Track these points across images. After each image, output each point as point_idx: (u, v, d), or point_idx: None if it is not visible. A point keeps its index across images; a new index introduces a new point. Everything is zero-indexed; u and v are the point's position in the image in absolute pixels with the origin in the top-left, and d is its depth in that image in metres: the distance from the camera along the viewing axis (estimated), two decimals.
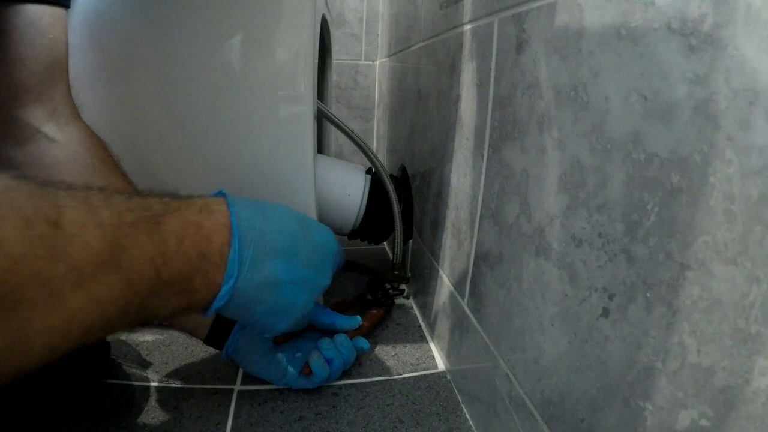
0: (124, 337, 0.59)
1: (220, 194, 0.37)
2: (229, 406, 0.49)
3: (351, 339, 0.53)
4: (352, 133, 0.64)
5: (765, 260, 0.18)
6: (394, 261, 0.69)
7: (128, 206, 0.28)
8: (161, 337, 0.60)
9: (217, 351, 0.50)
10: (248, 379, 0.52)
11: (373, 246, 0.79)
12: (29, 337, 0.22)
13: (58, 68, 0.41)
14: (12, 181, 0.22)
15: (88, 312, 0.24)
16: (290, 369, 0.50)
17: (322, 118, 0.63)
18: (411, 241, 0.76)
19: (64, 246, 0.23)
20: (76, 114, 0.44)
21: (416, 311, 0.70)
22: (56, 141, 0.41)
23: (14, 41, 0.37)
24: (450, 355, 0.55)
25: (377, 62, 1.13)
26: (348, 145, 1.10)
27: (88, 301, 0.24)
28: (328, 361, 0.50)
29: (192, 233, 0.31)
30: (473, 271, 0.47)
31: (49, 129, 0.41)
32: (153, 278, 0.28)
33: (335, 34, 0.98)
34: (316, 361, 0.50)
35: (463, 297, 0.50)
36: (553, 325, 0.32)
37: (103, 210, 0.26)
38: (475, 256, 0.46)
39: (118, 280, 0.26)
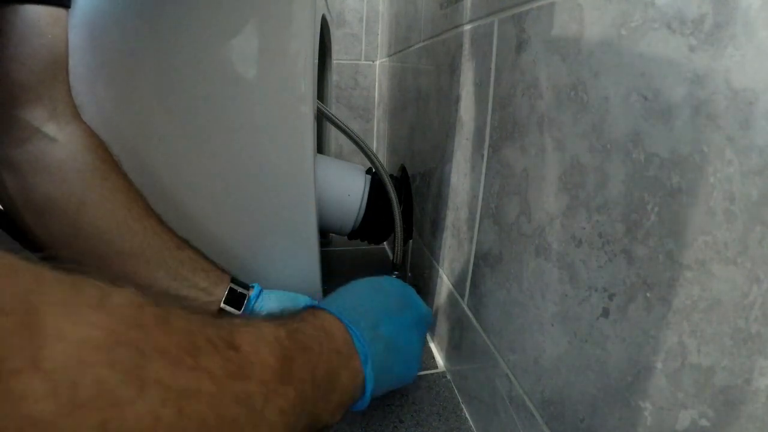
0: None
1: (309, 307, 0.39)
2: None
3: None
4: (352, 134, 0.64)
5: (765, 260, 0.18)
6: (394, 261, 0.69)
7: (276, 323, 0.30)
8: None
9: None
10: None
11: (373, 246, 0.79)
12: None
13: (59, 68, 0.41)
14: (192, 315, 0.22)
15: (278, 426, 0.25)
16: None
17: (322, 118, 0.63)
18: (411, 241, 0.76)
19: (249, 365, 0.24)
20: (76, 114, 0.44)
21: None
22: (56, 140, 0.41)
23: (13, 41, 0.37)
24: (450, 355, 0.55)
25: (377, 62, 1.13)
26: (348, 145, 1.10)
27: (278, 413, 0.25)
28: None
29: (324, 337, 0.34)
30: (473, 271, 0.47)
31: (50, 129, 0.41)
32: (312, 383, 0.29)
33: (335, 34, 0.98)
34: None
35: (463, 297, 0.50)
36: (553, 325, 0.32)
37: (264, 329, 0.28)
38: (475, 256, 0.46)
39: (291, 391, 0.26)
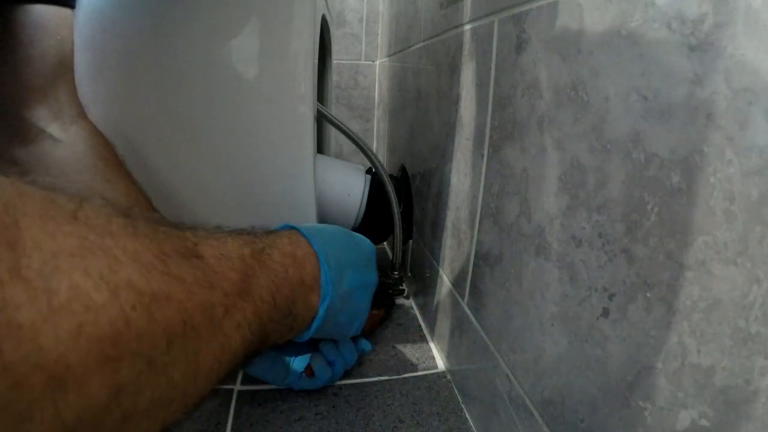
0: None
1: (287, 227, 0.40)
2: (229, 406, 0.49)
3: (353, 341, 0.53)
4: (351, 134, 0.64)
5: (765, 260, 0.18)
6: (394, 261, 0.69)
7: (242, 241, 0.30)
8: None
9: None
10: (248, 379, 0.52)
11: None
12: (199, 365, 0.22)
13: (65, 68, 0.41)
14: (158, 225, 0.23)
15: (234, 339, 0.25)
16: (292, 370, 0.50)
17: (322, 118, 0.63)
18: (411, 241, 0.76)
19: (213, 275, 0.24)
20: (81, 113, 0.44)
21: (416, 311, 0.70)
22: (60, 141, 0.41)
23: (22, 42, 0.37)
24: (450, 355, 0.55)
25: (377, 62, 1.13)
26: (348, 145, 1.10)
27: (235, 327, 0.25)
28: (330, 363, 0.50)
29: (290, 263, 0.34)
30: (473, 271, 0.47)
31: (54, 129, 0.41)
32: (271, 305, 0.30)
33: (335, 34, 0.98)
34: (318, 362, 0.50)
35: (463, 297, 0.50)
36: (553, 325, 0.32)
37: (229, 244, 0.28)
38: (475, 256, 0.46)
39: (249, 308, 0.27)
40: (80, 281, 0.15)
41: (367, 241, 0.50)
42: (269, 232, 0.36)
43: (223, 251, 0.27)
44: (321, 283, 0.37)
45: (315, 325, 0.37)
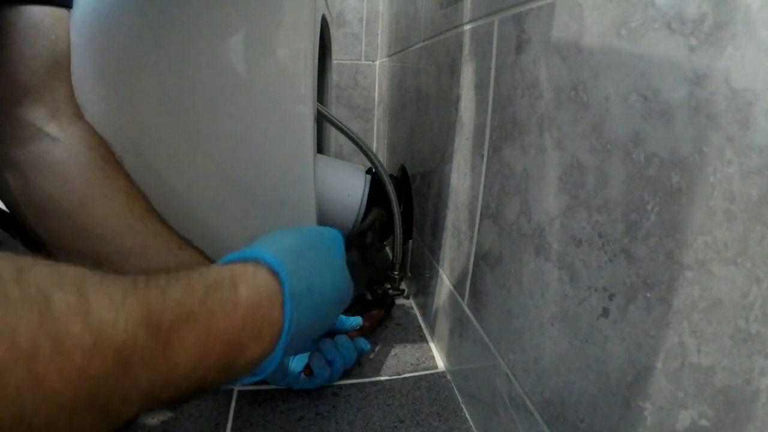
0: None
1: (250, 256, 0.33)
2: (229, 406, 0.49)
3: (352, 339, 0.53)
4: (351, 134, 0.64)
5: (765, 260, 0.18)
6: (394, 261, 0.69)
7: (162, 284, 0.26)
8: None
9: None
10: None
11: None
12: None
13: (61, 68, 0.41)
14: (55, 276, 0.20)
15: (132, 398, 0.22)
16: (291, 370, 0.50)
17: (322, 118, 0.63)
18: (411, 241, 0.76)
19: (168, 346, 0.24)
20: (79, 114, 0.44)
21: (416, 311, 0.70)
22: (59, 140, 0.41)
23: (16, 42, 0.37)
24: (450, 355, 0.55)
25: (377, 62, 1.13)
26: (348, 145, 1.10)
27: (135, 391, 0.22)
28: (330, 362, 0.50)
29: (237, 304, 0.28)
30: (473, 271, 0.47)
31: (52, 128, 0.41)
32: (198, 358, 0.26)
33: (335, 34, 0.98)
34: (317, 362, 0.50)
35: (463, 297, 0.50)
36: (553, 325, 0.32)
37: (130, 296, 0.23)
38: (475, 256, 0.46)
39: (162, 368, 0.24)
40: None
41: (334, 234, 0.41)
42: (224, 267, 0.30)
43: (118, 303, 0.22)
44: (284, 328, 0.30)
45: (267, 367, 0.30)
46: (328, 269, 0.37)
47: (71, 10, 0.41)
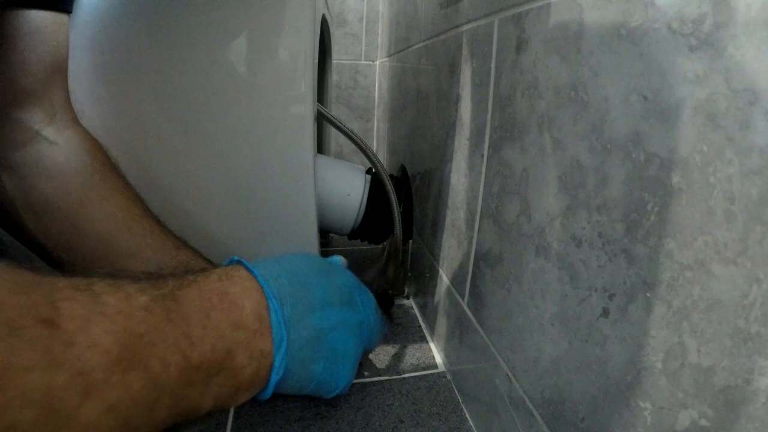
0: None
1: (233, 261, 0.34)
2: None
3: None
4: (351, 134, 0.64)
5: (765, 260, 0.18)
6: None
7: (138, 287, 0.24)
8: None
9: None
10: None
11: (373, 246, 0.79)
12: None
13: (59, 73, 0.41)
14: (8, 276, 0.19)
15: (103, 426, 0.20)
16: None
17: (321, 118, 0.63)
18: (411, 241, 0.76)
19: (63, 349, 0.19)
20: (75, 118, 0.44)
21: (416, 311, 0.70)
22: (56, 143, 0.41)
23: (18, 47, 0.37)
24: (450, 355, 0.55)
25: (377, 62, 1.13)
26: (348, 145, 1.10)
27: (103, 411, 0.20)
28: None
29: (217, 304, 0.27)
30: (473, 271, 0.47)
31: (49, 132, 0.41)
32: (182, 366, 0.24)
33: (335, 34, 0.98)
34: None
35: (463, 297, 0.50)
36: (553, 325, 0.32)
37: (108, 297, 0.22)
38: (475, 256, 0.46)
39: (137, 379, 0.21)
40: None
41: (348, 273, 0.42)
42: (194, 272, 0.29)
43: (93, 308, 0.21)
44: (272, 324, 0.30)
45: (273, 379, 0.30)
46: (326, 288, 0.37)
47: (71, 14, 0.41)
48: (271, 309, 0.30)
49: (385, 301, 0.68)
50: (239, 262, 0.33)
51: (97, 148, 0.44)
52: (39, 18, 0.38)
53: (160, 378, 0.23)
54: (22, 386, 0.17)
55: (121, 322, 0.21)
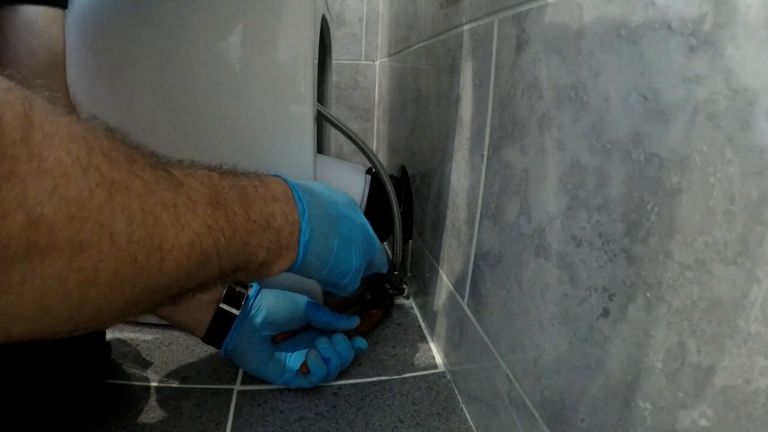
0: (124, 336, 0.59)
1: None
2: (229, 406, 0.49)
3: (350, 339, 0.53)
4: (351, 134, 0.64)
5: (765, 260, 0.18)
6: (394, 261, 0.69)
7: (209, 167, 0.32)
8: (161, 336, 0.60)
9: (217, 351, 0.50)
10: (248, 379, 0.52)
11: None
12: (165, 254, 0.24)
13: (56, 68, 0.41)
14: (126, 144, 0.25)
15: (205, 238, 0.27)
16: (288, 368, 0.50)
17: (321, 118, 0.63)
18: (411, 241, 0.76)
19: (179, 185, 0.27)
20: (74, 113, 0.44)
21: (416, 311, 0.70)
22: None
23: (11, 42, 0.37)
24: (450, 355, 0.55)
25: (377, 62, 1.13)
26: (348, 145, 1.10)
27: (205, 227, 0.28)
28: (326, 361, 0.51)
29: (258, 185, 0.36)
30: (473, 271, 0.47)
31: None
32: (245, 216, 0.32)
33: (335, 34, 0.98)
34: (313, 360, 0.50)
35: (463, 297, 0.50)
36: (553, 325, 0.32)
37: (197, 167, 0.31)
38: (475, 256, 0.46)
39: (222, 216, 0.29)
40: (62, 157, 0.19)
41: (347, 194, 0.50)
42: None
43: (190, 171, 0.30)
44: (295, 199, 0.38)
45: (302, 239, 0.37)
46: (333, 196, 0.45)
47: (67, 10, 0.41)
48: (293, 190, 0.39)
49: (385, 301, 0.68)
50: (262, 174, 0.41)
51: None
52: (32, 12, 0.38)
53: (235, 220, 0.31)
54: (161, 197, 0.25)
55: (207, 182, 0.30)
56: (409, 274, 0.75)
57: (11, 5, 0.37)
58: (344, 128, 0.64)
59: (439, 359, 0.58)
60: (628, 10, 0.25)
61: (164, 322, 0.52)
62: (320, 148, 0.92)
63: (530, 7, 0.35)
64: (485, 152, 0.44)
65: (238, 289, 0.50)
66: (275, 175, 0.40)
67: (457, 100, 0.51)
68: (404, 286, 0.74)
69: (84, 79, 0.49)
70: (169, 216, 0.25)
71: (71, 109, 0.43)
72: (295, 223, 0.37)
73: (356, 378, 0.54)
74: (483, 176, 0.44)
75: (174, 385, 0.51)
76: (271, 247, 0.35)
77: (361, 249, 0.45)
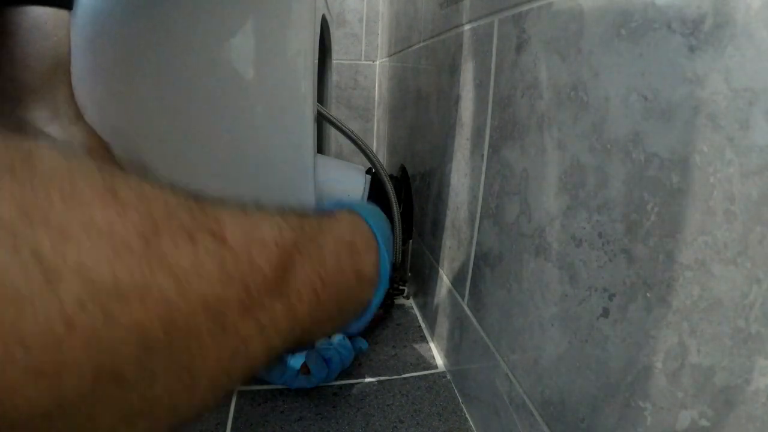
0: None
1: (343, 206, 0.35)
2: (229, 406, 0.49)
3: (350, 339, 0.53)
4: (351, 134, 0.64)
5: (765, 260, 0.18)
6: (394, 261, 0.69)
7: (285, 224, 0.25)
8: None
9: None
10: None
11: None
12: (194, 375, 0.18)
13: (62, 70, 0.41)
14: (157, 190, 0.18)
15: (254, 343, 0.20)
16: (289, 368, 0.50)
17: (321, 118, 0.63)
18: (411, 241, 0.76)
19: (233, 265, 0.19)
20: (79, 115, 0.44)
21: (416, 311, 0.70)
22: (60, 141, 0.41)
23: (19, 43, 0.37)
24: (450, 355, 0.55)
25: (377, 62, 1.13)
26: (348, 145, 1.10)
27: (257, 331, 0.20)
28: (327, 361, 0.51)
29: (346, 253, 0.29)
30: (473, 271, 0.47)
31: (53, 130, 0.41)
32: (313, 304, 0.25)
33: (335, 34, 0.98)
34: (314, 360, 0.50)
35: (462, 297, 0.50)
36: (553, 325, 0.32)
37: (265, 227, 0.23)
38: (475, 256, 0.46)
39: (281, 307, 0.22)
40: (7, 260, 0.11)
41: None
42: (322, 214, 0.31)
43: (255, 235, 0.21)
44: (380, 274, 0.31)
45: (366, 318, 0.31)
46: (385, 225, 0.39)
47: (72, 11, 0.41)
48: (381, 260, 0.32)
49: (385, 301, 0.68)
50: (353, 210, 0.34)
51: (100, 145, 0.44)
52: (40, 14, 0.38)
53: (295, 310, 0.23)
54: (201, 293, 0.17)
55: (276, 254, 0.22)
56: (409, 274, 0.75)
57: (19, 7, 0.37)
58: (344, 128, 0.64)
59: (439, 359, 0.58)
60: (628, 10, 0.25)
61: None
62: (320, 148, 0.92)
63: (530, 7, 0.35)
64: (485, 152, 0.44)
65: None
66: (363, 216, 0.33)
67: (457, 100, 0.51)
68: (404, 286, 0.74)
69: (85, 79, 0.49)
70: (212, 324, 0.18)
71: (77, 113, 0.44)
72: (364, 303, 0.32)
73: (356, 378, 0.54)
74: (483, 176, 0.44)
75: None
76: (328, 328, 0.30)
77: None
